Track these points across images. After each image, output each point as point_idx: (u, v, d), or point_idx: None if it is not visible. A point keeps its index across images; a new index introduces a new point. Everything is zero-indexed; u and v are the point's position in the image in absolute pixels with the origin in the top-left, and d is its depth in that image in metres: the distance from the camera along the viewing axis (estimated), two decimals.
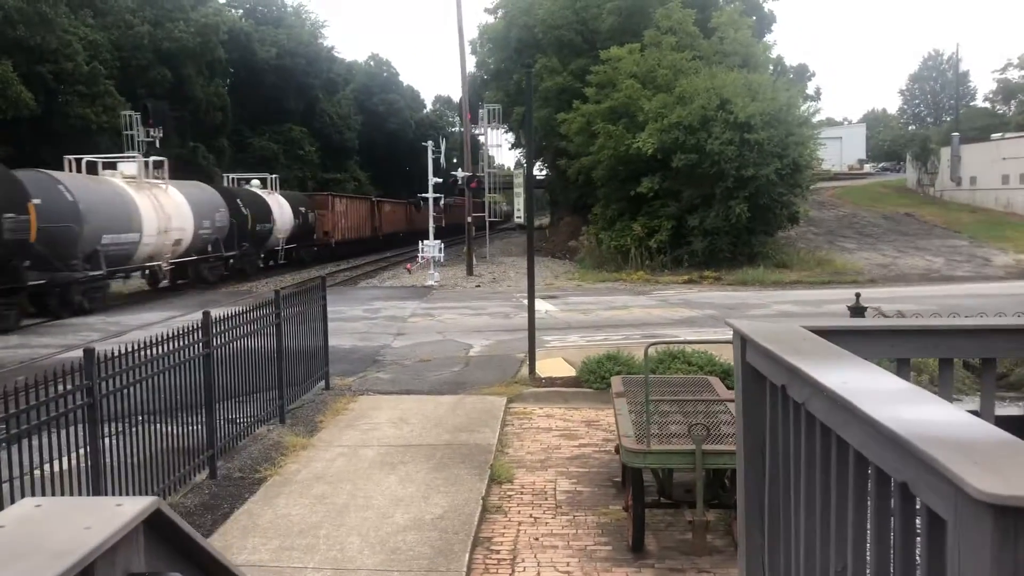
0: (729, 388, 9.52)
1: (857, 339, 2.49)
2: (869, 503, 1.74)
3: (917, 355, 2.68)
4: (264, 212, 36.35)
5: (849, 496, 1.81)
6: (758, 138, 28.74)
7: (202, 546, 1.28)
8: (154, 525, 1.14)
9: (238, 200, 33.70)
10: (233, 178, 41.01)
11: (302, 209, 41.98)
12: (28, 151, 38.23)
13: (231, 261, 32.84)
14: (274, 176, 42.70)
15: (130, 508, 1.09)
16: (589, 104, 34.01)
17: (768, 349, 2.24)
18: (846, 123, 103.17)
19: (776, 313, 19.99)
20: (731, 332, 9.84)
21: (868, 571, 1.81)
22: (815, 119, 34.30)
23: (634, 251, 31.03)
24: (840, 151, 76.58)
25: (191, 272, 29.83)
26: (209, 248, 30.65)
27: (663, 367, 11.51)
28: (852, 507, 1.80)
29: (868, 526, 1.78)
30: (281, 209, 38.80)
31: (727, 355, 11.93)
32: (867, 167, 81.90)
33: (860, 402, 1.60)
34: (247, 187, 39.06)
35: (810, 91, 51.68)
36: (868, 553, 1.82)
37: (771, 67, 41.77)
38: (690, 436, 6.64)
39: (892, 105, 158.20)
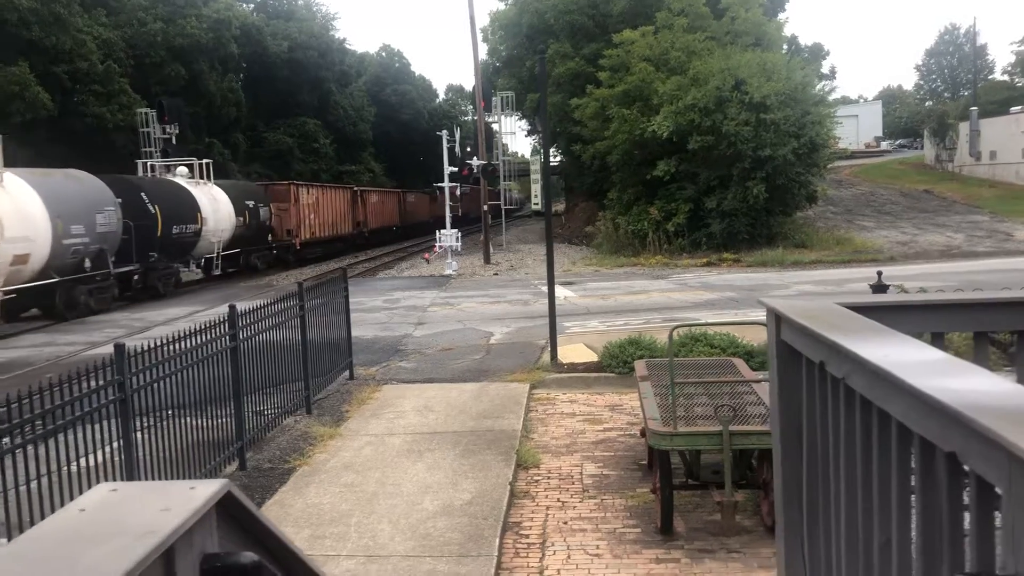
0: (754, 369, 9.52)
1: (891, 314, 2.50)
2: (913, 474, 1.76)
3: (951, 329, 2.69)
4: (186, 209, 28.12)
5: (892, 469, 1.83)
6: (774, 118, 28.57)
7: (270, 529, 1.31)
8: (225, 507, 1.17)
9: (143, 194, 25.97)
10: (151, 165, 34.13)
11: (250, 204, 33.79)
12: (46, 152, 38.53)
13: (135, 278, 24.89)
14: (206, 161, 33.77)
15: (203, 491, 1.12)
16: (603, 88, 33.87)
17: (805, 326, 2.25)
18: (862, 100, 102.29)
19: (797, 293, 19.90)
20: (754, 314, 9.86)
21: (913, 542, 1.83)
22: (831, 97, 34.06)
23: (651, 235, 30.95)
24: (856, 129, 75.93)
25: (58, 299, 20.89)
26: (87, 264, 21.79)
27: (685, 350, 11.50)
28: (896, 479, 1.82)
29: (912, 498, 1.79)
30: (216, 205, 30.58)
31: (751, 336, 11.93)
32: (884, 144, 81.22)
33: (904, 374, 1.61)
34: (168, 176, 31.63)
35: (825, 69, 51.28)
36: (913, 525, 1.83)
37: (785, 46, 41.51)
38: (717, 417, 6.65)
39: (908, 81, 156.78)
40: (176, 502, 1.06)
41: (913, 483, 1.83)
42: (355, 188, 47.44)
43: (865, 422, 1.98)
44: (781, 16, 43.92)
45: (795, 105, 29.16)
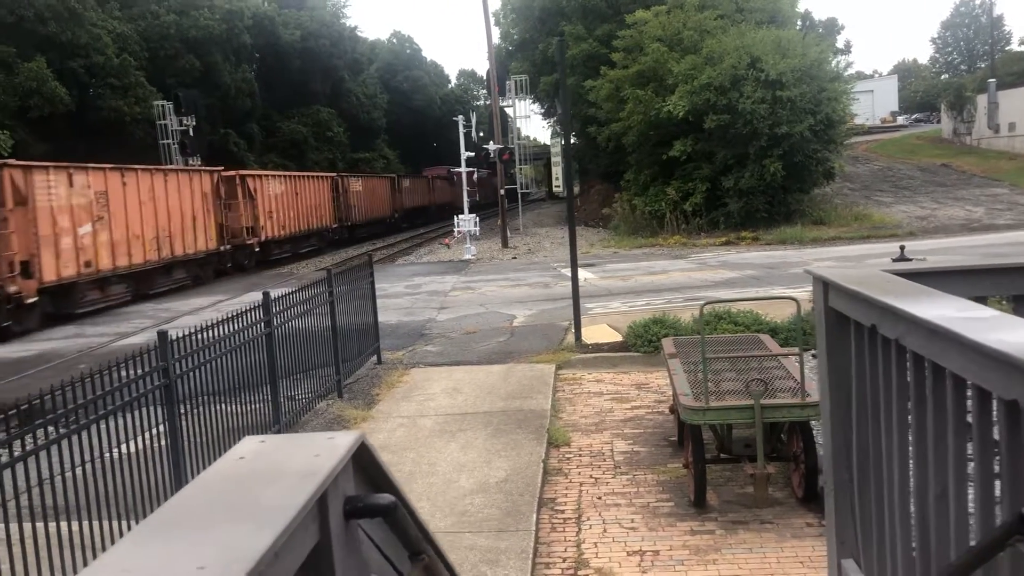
0: (783, 345, 9.60)
1: (935, 279, 2.59)
2: (970, 425, 1.86)
3: (994, 293, 2.78)
4: None
5: (948, 420, 1.93)
6: (790, 95, 28.46)
7: (391, 478, 1.44)
8: (358, 457, 1.29)
9: None
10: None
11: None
12: (65, 146, 38.89)
13: None
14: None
15: (343, 440, 1.24)
16: (617, 70, 33.80)
17: (857, 291, 2.35)
18: (877, 76, 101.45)
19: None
20: (776, 291, 9.98)
21: (971, 491, 1.93)
22: (847, 73, 33.84)
23: (669, 215, 30.95)
24: (872, 104, 75.42)
25: None
26: None
27: (710, 328, 11.57)
28: (952, 431, 1.92)
29: (968, 447, 1.89)
30: None
31: (774, 314, 12.00)
32: (900, 119, 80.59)
33: (963, 329, 1.71)
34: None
35: (839, 44, 50.93)
36: (969, 474, 1.93)
37: (799, 22, 41.21)
38: (748, 392, 6.75)
39: (923, 55, 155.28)
40: (323, 449, 1.18)
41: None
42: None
43: (918, 378, 2.08)
44: None
45: (811, 82, 29.03)
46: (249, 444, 1.24)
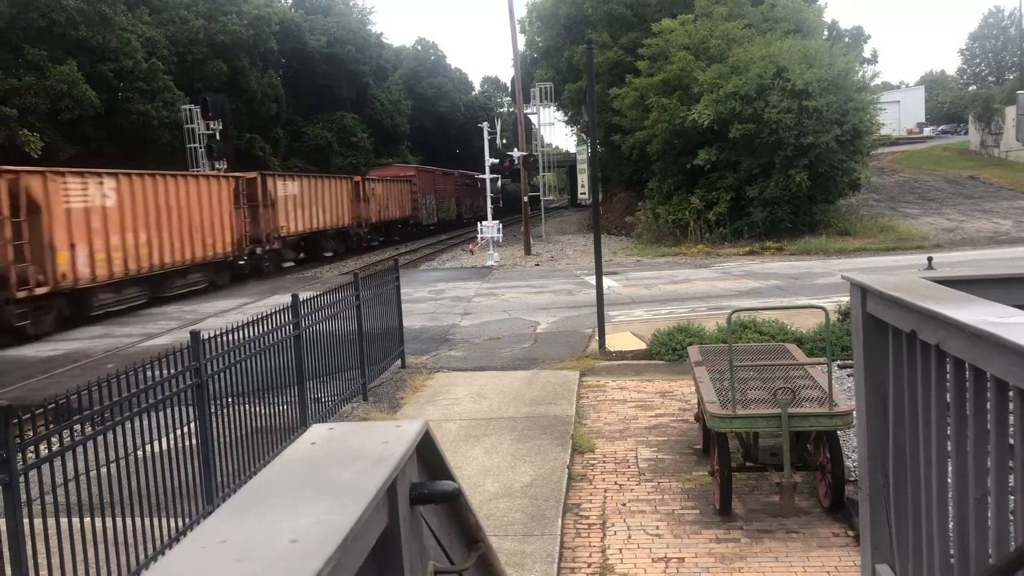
0: (809, 355, 9.58)
1: (974, 287, 2.61)
2: (1012, 426, 1.87)
3: None
4: None
5: (990, 423, 1.95)
6: (816, 105, 28.35)
7: (449, 469, 1.48)
8: (420, 445, 1.33)
9: None
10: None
11: None
12: (94, 148, 39.37)
13: None
14: None
15: (410, 428, 1.28)
16: (642, 78, 33.82)
17: (896, 297, 2.37)
18: (903, 86, 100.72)
19: (843, 281, 19.79)
20: (802, 301, 9.97)
21: (1012, 494, 1.94)
22: (873, 83, 33.64)
23: (692, 224, 30.89)
24: (898, 115, 74.89)
25: None
26: None
27: (735, 337, 11.56)
28: (994, 433, 1.94)
29: (1010, 450, 1.91)
30: None
31: (800, 323, 11.96)
32: (927, 130, 79.96)
33: (1007, 334, 1.74)
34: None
35: (866, 54, 50.64)
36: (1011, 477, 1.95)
37: (825, 32, 41.07)
38: (775, 400, 6.75)
39: (951, 66, 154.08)
40: (392, 437, 1.23)
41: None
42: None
43: (959, 382, 2.10)
44: (820, 1, 43.49)
45: (837, 92, 28.90)
46: (319, 431, 1.28)
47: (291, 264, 32.93)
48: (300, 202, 32.64)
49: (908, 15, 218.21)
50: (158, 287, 23.24)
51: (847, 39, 44.48)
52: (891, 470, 2.67)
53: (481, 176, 60.68)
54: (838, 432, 6.96)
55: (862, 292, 2.72)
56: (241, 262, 27.92)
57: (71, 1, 37.64)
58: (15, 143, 34.55)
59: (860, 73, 32.13)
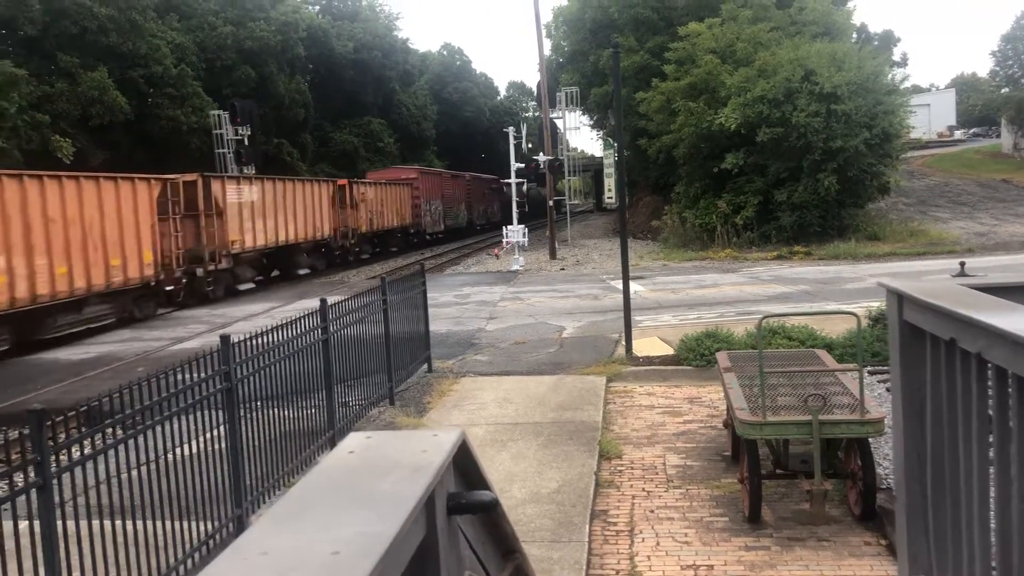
0: (839, 361, 9.48)
1: (1012, 294, 2.56)
2: None
3: None
4: None
5: None
6: (845, 108, 28.11)
7: (486, 479, 1.47)
8: (457, 455, 1.32)
9: None
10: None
11: None
12: (124, 154, 39.83)
13: None
14: None
15: (447, 438, 1.27)
16: (668, 82, 33.71)
17: (934, 304, 2.33)
18: (934, 89, 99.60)
19: (873, 286, 19.61)
20: (831, 306, 9.86)
21: None
22: (903, 86, 33.31)
23: (720, 228, 30.72)
24: (928, 118, 74.03)
25: None
26: None
27: (764, 342, 11.47)
28: None
29: None
30: None
31: (829, 329, 11.84)
32: (958, 133, 79.00)
33: None
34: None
35: (896, 57, 50.13)
36: None
37: (854, 35, 40.70)
38: (806, 407, 6.68)
39: (982, 68, 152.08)
40: (429, 446, 1.22)
41: None
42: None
43: (1001, 392, 2.06)
44: (849, 4, 43.14)
45: (866, 95, 28.64)
46: (357, 439, 1.28)
47: (250, 286, 26.79)
48: (261, 210, 27.05)
49: (939, 18, 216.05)
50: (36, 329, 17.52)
51: (876, 42, 44.04)
52: (929, 479, 2.63)
53: (497, 179, 60.41)
54: (869, 439, 6.88)
55: (899, 299, 2.68)
56: (170, 288, 22.15)
57: (102, 8, 38.12)
58: (48, 149, 35.05)
59: (890, 76, 31.86)
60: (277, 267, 30.59)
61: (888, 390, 8.85)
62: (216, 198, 24.87)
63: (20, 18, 36.52)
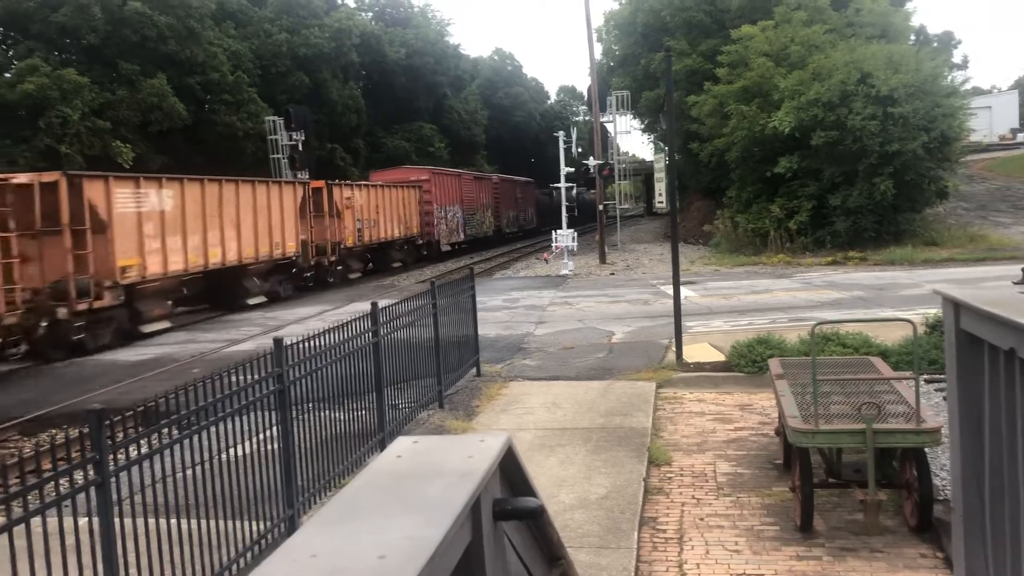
0: (895, 369, 9.30)
1: None
2: None
3: None
4: None
5: None
6: (902, 112, 27.56)
7: (531, 485, 1.47)
8: (503, 460, 1.33)
9: None
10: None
11: None
12: (182, 158, 40.69)
13: None
14: None
15: (494, 443, 1.28)
16: (720, 85, 33.40)
17: (993, 313, 2.28)
18: (995, 91, 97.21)
19: (930, 292, 19.19)
20: (885, 313, 9.69)
21: None
22: (963, 88, 32.52)
23: (773, 233, 30.33)
24: (990, 121, 72.25)
25: None
26: None
27: (817, 349, 11.30)
28: None
29: None
30: None
31: (885, 335, 11.63)
32: (1020, 136, 76.96)
33: None
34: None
35: (956, 59, 49.04)
36: None
37: (912, 36, 39.92)
38: (859, 415, 6.56)
39: None
40: (476, 451, 1.23)
41: None
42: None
43: None
44: (908, 5, 42.31)
45: (924, 97, 28.04)
46: (404, 443, 1.29)
47: (160, 328, 19.96)
48: (176, 224, 20.57)
49: (1001, 18, 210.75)
50: None
51: (935, 44, 43.14)
52: (987, 491, 2.57)
53: (532, 181, 59.76)
54: (926, 449, 6.73)
55: (955, 307, 2.62)
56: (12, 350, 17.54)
57: (162, 17, 39.02)
58: (108, 154, 35.96)
59: (949, 78, 31.17)
60: (210, 298, 23.42)
61: (946, 399, 8.66)
62: (97, 210, 18.11)
63: (84, 27, 37.55)
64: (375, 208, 33.52)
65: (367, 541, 0.93)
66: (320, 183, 29.62)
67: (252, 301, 23.87)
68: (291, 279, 26.71)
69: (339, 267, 30.13)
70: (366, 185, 33.94)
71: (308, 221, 27.69)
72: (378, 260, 35.09)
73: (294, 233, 26.35)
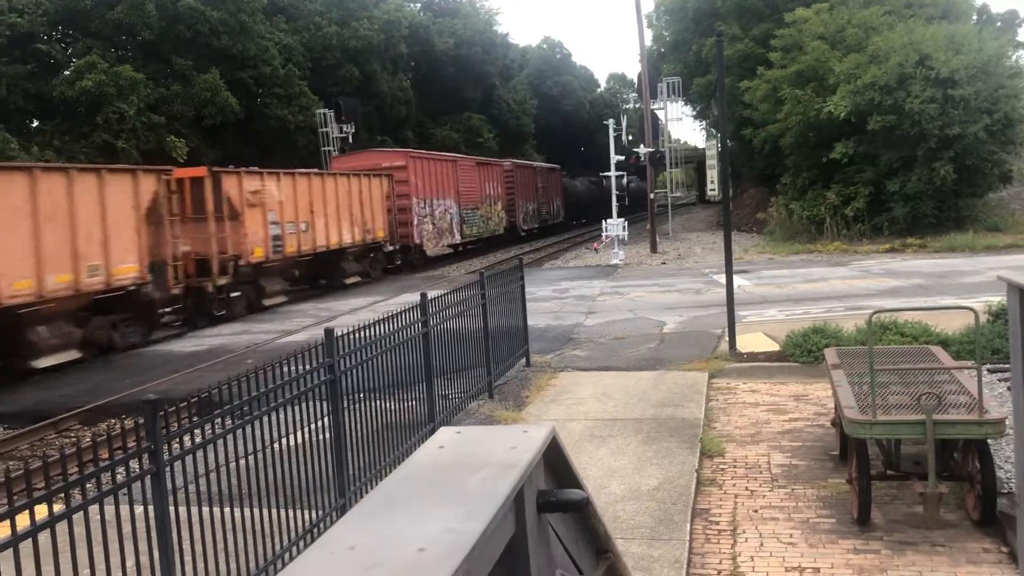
0: (956, 358, 9.05)
1: None
2: None
3: None
4: None
5: None
6: (963, 94, 26.78)
7: (577, 476, 1.43)
8: (547, 451, 1.29)
9: None
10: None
11: None
12: (234, 152, 41.31)
13: None
14: None
15: (537, 434, 1.25)
16: (774, 70, 32.80)
17: None
18: None
19: (993, 280, 18.68)
20: (946, 301, 9.44)
21: None
22: None
23: (828, 220, 29.76)
24: None
25: None
26: None
27: (875, 338, 11.05)
28: None
29: None
30: None
31: (945, 324, 11.34)
32: None
33: None
34: None
35: (1021, 39, 47.42)
36: None
37: (974, 16, 38.78)
38: (919, 406, 6.39)
39: None
40: (519, 442, 1.19)
41: None
42: None
43: None
44: None
45: (987, 79, 27.21)
46: (447, 434, 1.26)
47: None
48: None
49: None
50: None
51: (999, 23, 41.81)
52: None
53: (558, 168, 57.85)
54: (989, 441, 6.54)
55: (1021, 294, 2.51)
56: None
57: (214, 12, 39.58)
58: (163, 148, 36.65)
59: (1014, 58, 30.24)
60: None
61: (1010, 389, 8.41)
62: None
63: (139, 24, 38.26)
64: (307, 207, 24.03)
65: (406, 533, 0.90)
66: (200, 170, 21.29)
67: (35, 364, 15.09)
68: (138, 320, 17.73)
69: (233, 295, 20.79)
70: (289, 174, 24.03)
71: (164, 229, 18.16)
72: (326, 274, 26.13)
73: (136, 250, 17.23)
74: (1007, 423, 6.31)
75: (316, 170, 28.48)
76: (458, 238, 36.61)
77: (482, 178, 39.83)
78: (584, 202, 59.43)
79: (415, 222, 31.79)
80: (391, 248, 30.13)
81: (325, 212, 25.04)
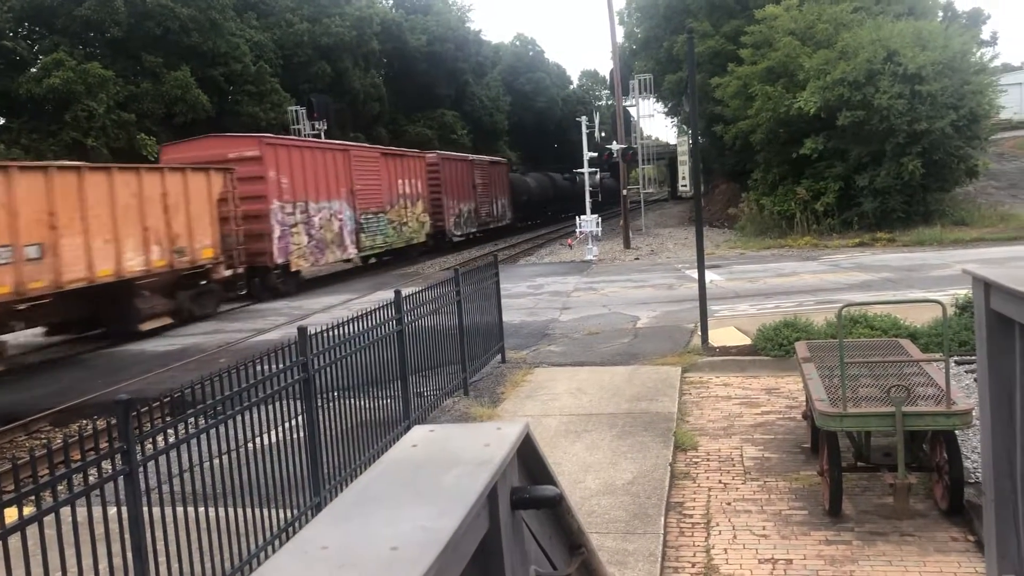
0: (924, 351, 9.18)
1: None
2: None
3: None
4: None
5: None
6: (930, 89, 27.14)
7: (551, 473, 1.45)
8: (521, 448, 1.31)
9: None
10: None
11: None
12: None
13: None
14: None
15: (511, 430, 1.26)
16: (744, 66, 33.05)
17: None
18: None
19: (960, 273, 18.95)
20: (914, 294, 9.56)
21: None
22: (992, 65, 31.96)
23: (799, 215, 30.05)
24: (1021, 98, 71.01)
25: None
26: None
27: (845, 332, 11.17)
28: None
29: None
30: None
31: (914, 317, 11.48)
32: None
33: None
34: None
35: (985, 35, 48.11)
36: None
37: (940, 13, 39.30)
38: (889, 398, 6.49)
39: None
40: (493, 439, 1.21)
41: None
42: None
43: None
44: None
45: (953, 75, 27.60)
46: (420, 432, 1.28)
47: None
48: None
49: None
50: None
51: (964, 20, 42.39)
52: (1019, 473, 2.52)
53: (503, 161, 56.86)
54: (956, 432, 6.65)
55: (986, 287, 2.57)
56: None
57: (184, 9, 39.19)
58: (134, 146, 36.26)
59: (978, 54, 30.64)
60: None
61: (976, 381, 8.55)
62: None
63: (107, 21, 37.80)
64: (48, 216, 15.54)
65: (380, 532, 0.92)
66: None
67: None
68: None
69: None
70: (28, 167, 16.38)
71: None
72: (108, 316, 17.99)
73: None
74: (973, 414, 6.42)
75: (66, 162, 18.89)
76: (352, 251, 28.68)
77: (392, 173, 31.96)
78: (537, 200, 54.16)
79: (276, 233, 23.40)
80: (229, 272, 21.33)
81: (84, 227, 16.38)
